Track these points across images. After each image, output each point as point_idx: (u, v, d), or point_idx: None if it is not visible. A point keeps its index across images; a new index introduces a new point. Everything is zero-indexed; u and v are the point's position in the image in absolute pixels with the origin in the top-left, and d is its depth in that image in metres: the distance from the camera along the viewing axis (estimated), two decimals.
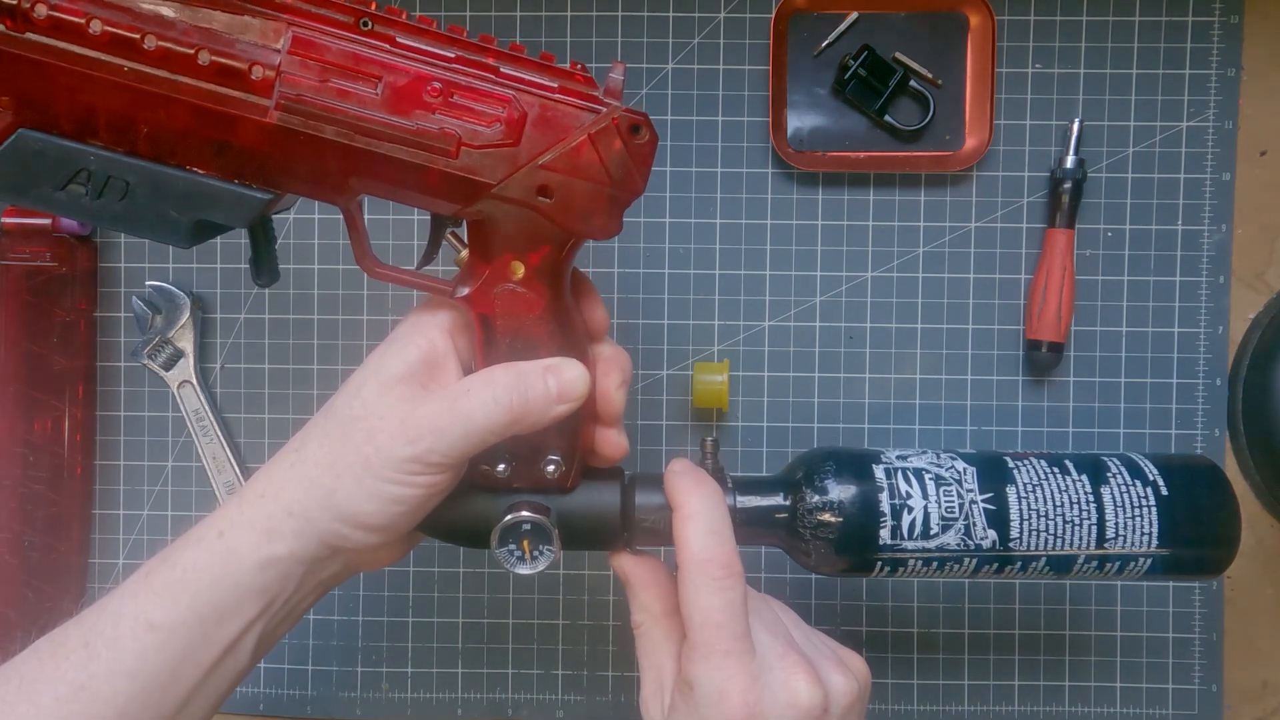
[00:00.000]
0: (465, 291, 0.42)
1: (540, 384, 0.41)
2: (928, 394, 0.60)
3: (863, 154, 0.59)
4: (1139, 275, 0.59)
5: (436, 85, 0.38)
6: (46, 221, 0.58)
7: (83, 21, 0.36)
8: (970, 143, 0.58)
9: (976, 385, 0.60)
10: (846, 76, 0.57)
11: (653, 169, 0.59)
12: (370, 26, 0.38)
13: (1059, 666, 0.60)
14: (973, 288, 0.59)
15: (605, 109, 0.39)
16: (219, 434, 0.60)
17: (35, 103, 0.37)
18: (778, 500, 0.45)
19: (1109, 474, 0.46)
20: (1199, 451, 0.59)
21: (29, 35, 0.36)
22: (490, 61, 0.39)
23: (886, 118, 0.58)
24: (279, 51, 0.37)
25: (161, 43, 0.36)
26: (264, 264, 0.42)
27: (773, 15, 0.58)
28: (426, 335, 0.42)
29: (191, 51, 0.37)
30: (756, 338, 0.60)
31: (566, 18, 0.59)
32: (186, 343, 0.60)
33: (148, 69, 0.36)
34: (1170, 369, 0.59)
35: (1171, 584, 0.60)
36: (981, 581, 0.60)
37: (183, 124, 0.37)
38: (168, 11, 0.36)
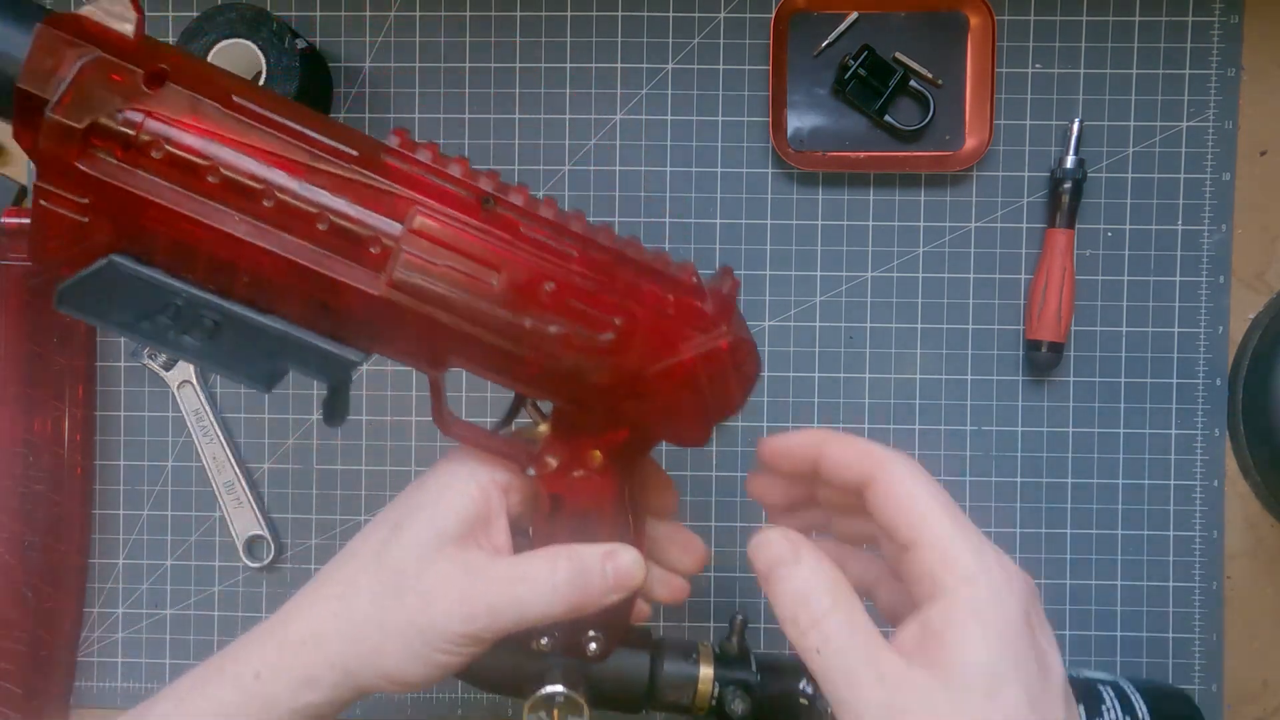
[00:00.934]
0: (540, 470, 0.41)
1: (599, 574, 0.40)
2: (928, 394, 0.60)
3: (863, 154, 0.59)
4: (1139, 275, 0.59)
5: (553, 286, 0.37)
6: None
7: (203, 165, 0.34)
8: (970, 143, 0.58)
9: (976, 385, 0.60)
10: (846, 76, 0.57)
11: (653, 169, 0.59)
12: (493, 205, 0.37)
13: None
14: (973, 288, 0.59)
15: (716, 331, 0.38)
16: (219, 434, 0.60)
17: (133, 232, 0.34)
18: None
19: (1103, 706, 0.47)
20: (1199, 451, 0.59)
21: (140, 171, 0.33)
22: (608, 261, 0.38)
23: (886, 118, 0.58)
24: (400, 228, 0.35)
25: (281, 198, 0.34)
26: (339, 410, 0.40)
27: (773, 15, 0.58)
28: (483, 489, 0.41)
29: (311, 215, 0.35)
30: (756, 338, 0.60)
31: (566, 18, 0.59)
32: None
33: (262, 224, 0.34)
34: (1170, 369, 0.59)
35: (1171, 584, 0.60)
36: None
37: (287, 279, 0.35)
38: (292, 183, 0.35)
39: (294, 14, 0.60)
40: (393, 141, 0.36)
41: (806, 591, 0.35)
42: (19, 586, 0.59)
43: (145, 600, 0.61)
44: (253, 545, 0.60)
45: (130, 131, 0.33)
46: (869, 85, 0.57)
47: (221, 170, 0.34)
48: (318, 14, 0.60)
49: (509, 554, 0.41)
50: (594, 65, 0.59)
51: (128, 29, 0.33)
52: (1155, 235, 0.59)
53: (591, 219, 0.59)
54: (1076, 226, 0.58)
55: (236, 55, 0.55)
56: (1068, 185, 0.57)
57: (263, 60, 0.54)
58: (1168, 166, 0.59)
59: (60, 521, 0.59)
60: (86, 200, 0.33)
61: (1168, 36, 0.58)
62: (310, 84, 0.55)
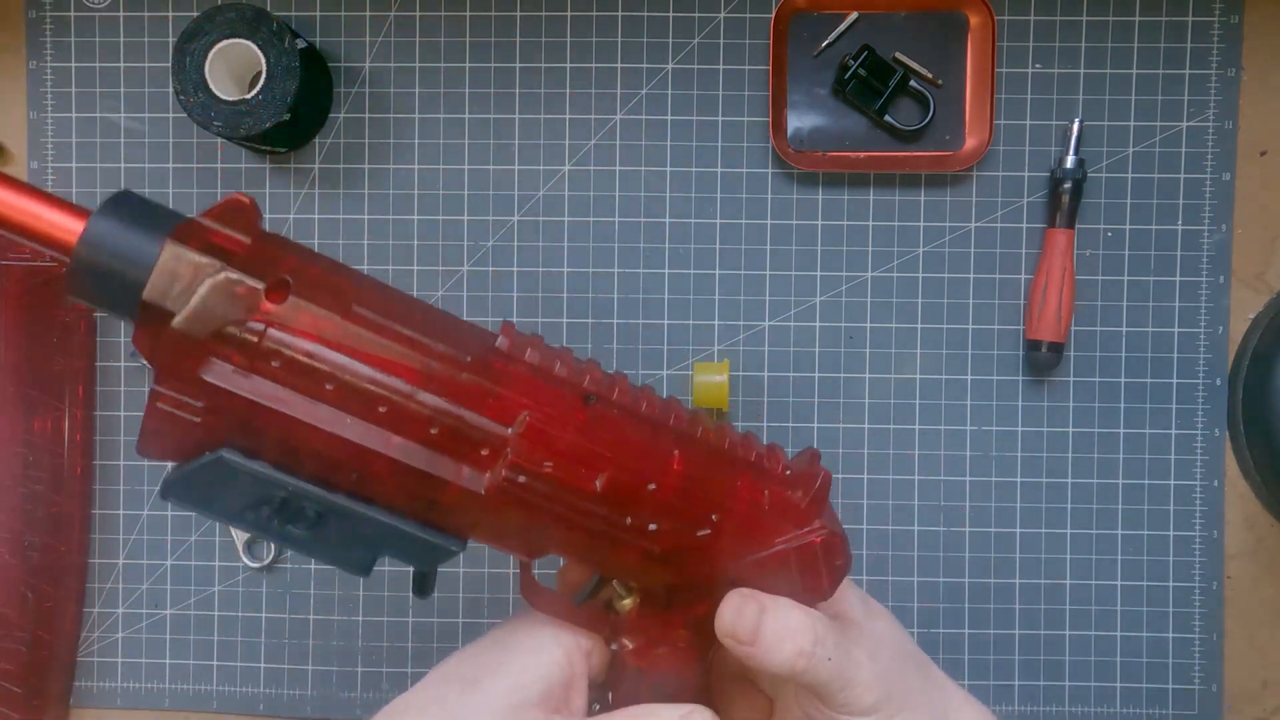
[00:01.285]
0: (626, 645, 0.41)
1: None
2: (928, 394, 0.60)
3: (863, 154, 0.59)
4: (1139, 275, 0.59)
5: (654, 486, 0.38)
6: None
7: (322, 373, 0.34)
8: (970, 143, 0.58)
9: (976, 385, 0.60)
10: (846, 76, 0.57)
11: (653, 169, 0.59)
12: (595, 402, 0.38)
13: (1059, 666, 0.60)
14: (973, 288, 0.59)
15: (809, 527, 0.39)
16: None
17: (244, 430, 0.35)
18: None
19: None
20: (1199, 451, 0.59)
21: (258, 378, 0.34)
22: (705, 456, 0.39)
23: (886, 118, 0.58)
24: (508, 431, 0.36)
25: (396, 404, 0.35)
26: (430, 585, 0.40)
27: (773, 15, 0.58)
28: (567, 653, 0.40)
29: (424, 419, 0.35)
30: (756, 338, 0.60)
31: (566, 18, 0.59)
32: None
33: (375, 427, 0.35)
34: (1170, 369, 0.59)
35: (1171, 584, 0.60)
36: (981, 581, 0.60)
37: (394, 477, 0.36)
38: (407, 389, 0.35)
39: (294, 14, 0.60)
40: (502, 343, 0.37)
41: (801, 618, 0.39)
42: (19, 586, 0.59)
43: (145, 600, 0.61)
44: (253, 545, 0.61)
45: (252, 340, 0.34)
46: (869, 85, 0.57)
47: (339, 378, 0.34)
48: (318, 14, 0.60)
49: (584, 716, 0.40)
50: (594, 65, 0.59)
51: (246, 238, 0.34)
52: (1155, 235, 0.59)
53: (591, 219, 0.59)
54: (1076, 226, 0.58)
55: (236, 55, 0.55)
56: (1068, 185, 0.57)
57: (263, 60, 0.54)
58: (1168, 166, 0.59)
59: (60, 521, 0.59)
60: (202, 404, 0.34)
61: (1168, 36, 0.58)
62: (310, 84, 0.55)
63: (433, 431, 0.35)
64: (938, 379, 0.60)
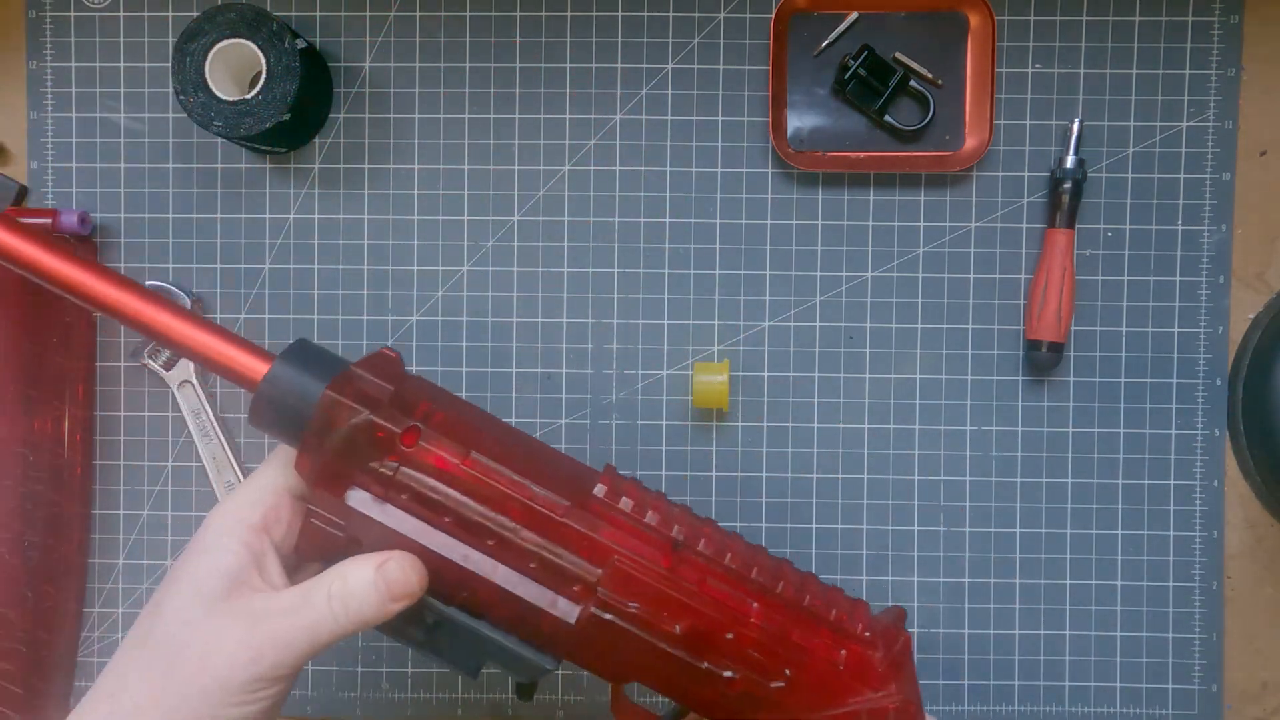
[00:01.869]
0: None
1: (373, 586, 0.40)
2: (928, 394, 0.60)
3: (863, 154, 0.59)
4: (1139, 275, 0.59)
5: (732, 636, 0.41)
6: (47, 221, 0.58)
7: (443, 507, 0.40)
8: (970, 143, 0.58)
9: (976, 385, 0.60)
10: (846, 76, 0.57)
11: (653, 169, 0.59)
12: (682, 548, 0.42)
13: (1059, 666, 0.60)
14: (973, 288, 0.59)
15: (885, 691, 0.42)
16: (218, 434, 0.60)
17: (377, 547, 0.41)
18: None
19: None
20: (1199, 451, 0.59)
21: (390, 506, 0.40)
22: (785, 608, 0.42)
23: (886, 118, 0.58)
24: (599, 572, 0.41)
25: (503, 538, 0.41)
26: (530, 692, 0.45)
27: (773, 15, 0.58)
28: (240, 540, 0.41)
29: (527, 554, 0.41)
30: (756, 338, 0.60)
31: (566, 18, 0.59)
32: None
33: (483, 556, 0.41)
34: (1170, 369, 0.59)
35: (1171, 584, 0.60)
36: (981, 581, 0.60)
37: (498, 600, 0.41)
38: (514, 527, 0.41)
39: (294, 14, 0.60)
40: (600, 491, 0.42)
41: None
42: (19, 586, 0.59)
43: (145, 600, 0.61)
44: None
45: (388, 475, 0.40)
46: (869, 85, 0.57)
47: (457, 512, 0.41)
48: (318, 14, 0.60)
49: (286, 586, 0.41)
50: (594, 65, 0.59)
51: (390, 386, 0.41)
52: (1155, 235, 0.59)
53: (591, 219, 0.59)
54: (1076, 226, 0.58)
55: (236, 55, 0.55)
56: (1068, 185, 0.57)
57: (263, 60, 0.54)
58: (1168, 166, 0.59)
59: (60, 521, 0.59)
60: (345, 523, 0.40)
61: (1168, 36, 0.58)
62: (310, 84, 0.56)
63: (532, 565, 0.41)
64: (938, 379, 0.60)
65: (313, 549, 0.41)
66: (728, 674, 0.41)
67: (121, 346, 0.61)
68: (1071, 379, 0.59)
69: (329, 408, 0.40)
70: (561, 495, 0.41)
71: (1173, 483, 0.59)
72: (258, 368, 0.41)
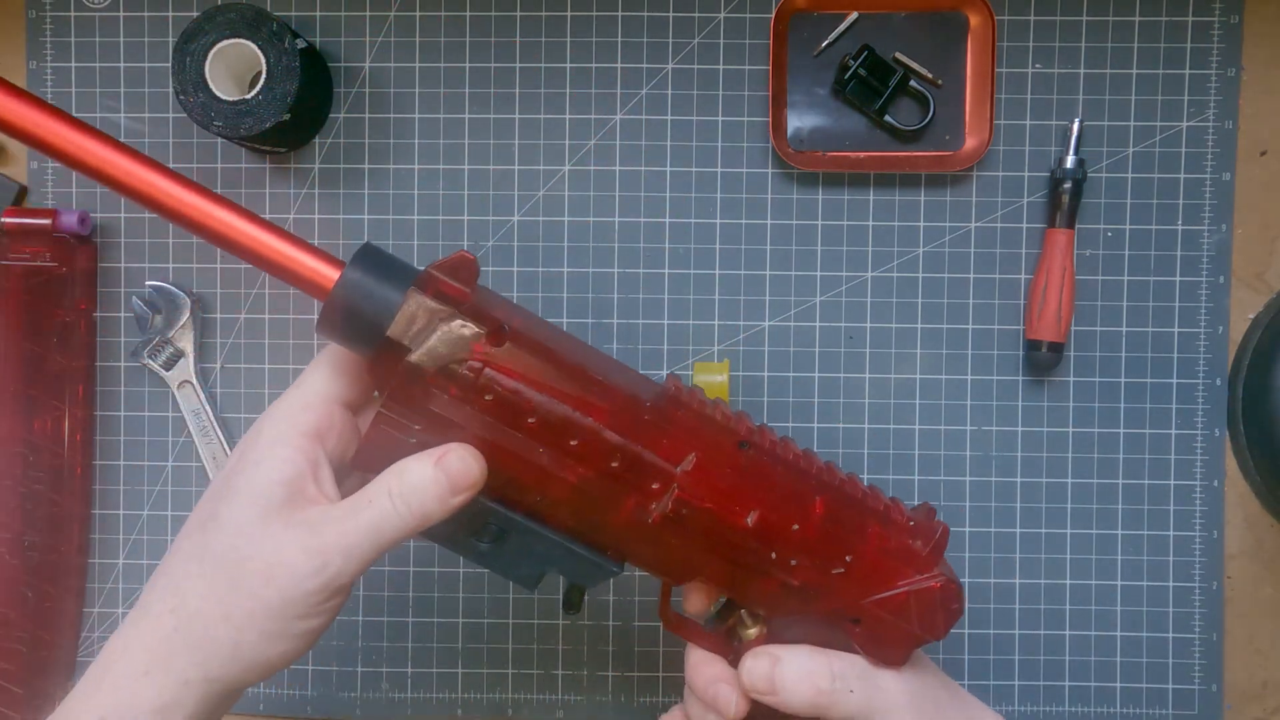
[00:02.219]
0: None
1: (434, 480, 0.39)
2: (928, 394, 0.60)
3: (863, 154, 0.59)
4: (1139, 275, 0.59)
5: (798, 527, 0.42)
6: (46, 221, 0.58)
7: (525, 409, 0.40)
8: (970, 143, 0.58)
9: (976, 385, 0.60)
10: (846, 76, 0.57)
11: (653, 169, 0.59)
12: (748, 448, 0.42)
13: (1059, 666, 0.60)
14: (973, 288, 0.59)
15: (930, 573, 0.44)
16: (218, 434, 0.60)
17: None
18: None
19: None
20: (1199, 451, 0.59)
21: (469, 408, 0.39)
22: (841, 502, 0.43)
23: (886, 118, 0.58)
24: (676, 469, 0.41)
25: (586, 440, 0.40)
26: (579, 603, 0.45)
27: (773, 15, 0.58)
28: (295, 448, 0.39)
29: (608, 453, 0.41)
30: (756, 338, 0.60)
31: (566, 18, 0.59)
32: (186, 343, 0.60)
33: (565, 458, 0.40)
34: (1170, 369, 0.59)
35: (1171, 584, 0.60)
36: (981, 581, 0.60)
37: (574, 502, 0.41)
38: (597, 428, 0.40)
39: (294, 14, 0.60)
40: (669, 389, 0.42)
41: (815, 660, 0.43)
42: (19, 586, 0.59)
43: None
44: None
45: (470, 376, 0.39)
46: (869, 85, 0.57)
47: (541, 413, 0.40)
48: (318, 14, 0.60)
49: (339, 498, 0.40)
50: (594, 65, 0.59)
51: (468, 289, 0.40)
52: (1155, 235, 0.59)
53: (591, 219, 0.60)
54: (1076, 226, 0.58)
55: (236, 55, 0.55)
56: (1068, 185, 0.57)
57: (263, 60, 0.54)
58: (1168, 166, 0.59)
59: (60, 521, 0.59)
60: (418, 427, 0.40)
61: (1168, 36, 0.58)
62: (310, 84, 0.56)
63: (614, 464, 0.41)
64: (938, 379, 0.60)
65: (375, 457, 0.40)
66: (793, 563, 0.43)
67: (122, 346, 0.61)
68: (1071, 379, 0.59)
69: (413, 310, 0.39)
70: (641, 396, 0.42)
71: (1173, 483, 0.59)
72: (329, 273, 0.40)
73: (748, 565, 0.43)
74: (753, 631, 0.45)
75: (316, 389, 0.41)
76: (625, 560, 0.43)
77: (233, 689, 0.38)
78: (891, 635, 0.44)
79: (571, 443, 0.40)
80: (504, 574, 0.42)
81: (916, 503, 0.50)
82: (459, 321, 0.39)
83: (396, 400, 0.39)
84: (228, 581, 0.37)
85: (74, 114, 0.60)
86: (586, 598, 0.46)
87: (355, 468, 0.41)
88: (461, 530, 0.41)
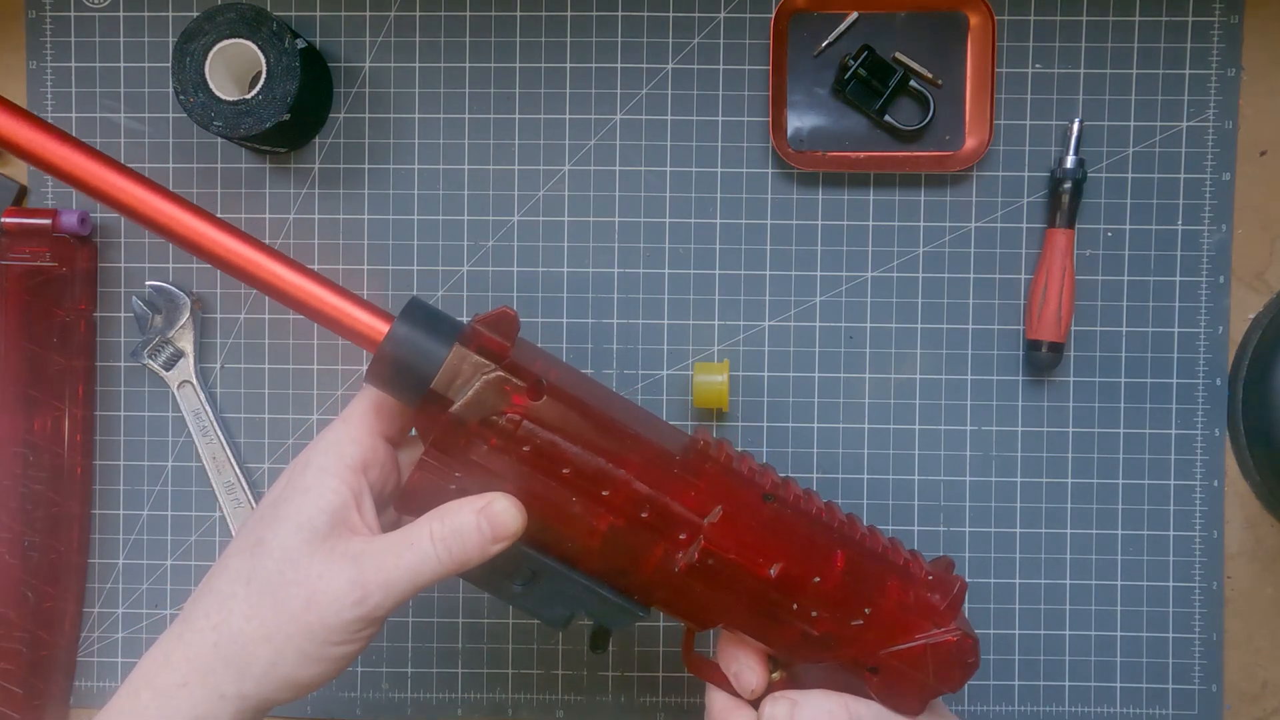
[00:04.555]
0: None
1: (475, 528, 0.41)
2: (928, 394, 0.60)
3: (863, 154, 0.59)
4: (1139, 275, 0.59)
5: (819, 580, 0.44)
6: (46, 221, 0.58)
7: (560, 460, 0.41)
8: (970, 143, 0.58)
9: (976, 385, 0.60)
10: (846, 76, 0.57)
11: (653, 169, 0.59)
12: (772, 500, 0.44)
13: (1059, 666, 0.60)
14: (973, 288, 0.59)
15: (948, 627, 0.45)
16: (219, 434, 0.60)
17: None
18: None
19: None
20: (1199, 451, 0.59)
21: (508, 458, 0.41)
22: (861, 555, 0.45)
23: (886, 118, 0.58)
24: (703, 521, 0.43)
25: (617, 490, 0.42)
26: (605, 643, 0.46)
27: (773, 15, 0.58)
28: (340, 478, 0.41)
29: (638, 504, 0.42)
30: (756, 338, 0.60)
31: (566, 18, 0.59)
32: (186, 343, 0.60)
33: (597, 506, 0.42)
34: (1170, 369, 0.59)
35: (1171, 584, 0.60)
36: (981, 581, 0.60)
37: (602, 551, 0.43)
38: (628, 479, 0.42)
39: (294, 14, 0.60)
40: (698, 443, 0.44)
41: (831, 703, 0.44)
42: (19, 586, 0.59)
43: (145, 600, 0.61)
44: None
45: (510, 428, 0.41)
46: (869, 85, 0.57)
47: (576, 464, 0.42)
48: (318, 14, 0.60)
49: (379, 530, 0.42)
50: (594, 65, 0.59)
51: (509, 344, 0.41)
52: (1155, 235, 0.59)
53: (591, 219, 0.60)
54: (1076, 226, 0.58)
55: (236, 55, 0.55)
56: (1068, 185, 0.57)
57: (263, 60, 0.54)
58: (1168, 166, 0.59)
59: (60, 521, 0.59)
60: (459, 474, 0.41)
61: (1168, 36, 0.58)
62: (310, 84, 0.55)
63: (643, 514, 0.42)
64: (938, 379, 0.60)
65: (418, 501, 0.42)
66: (814, 614, 0.44)
67: (122, 346, 0.61)
68: (1071, 379, 0.59)
69: (457, 363, 0.41)
70: (670, 449, 0.43)
71: (1173, 483, 0.59)
72: (378, 326, 0.42)
73: (769, 614, 0.44)
74: (775, 676, 0.46)
75: (361, 424, 0.43)
76: (651, 605, 0.45)
77: (264, 707, 0.40)
78: (908, 686, 0.45)
79: (604, 493, 0.42)
80: (535, 614, 0.44)
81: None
82: (500, 375, 0.41)
83: (439, 448, 0.41)
84: (273, 604, 0.39)
85: (73, 114, 0.60)
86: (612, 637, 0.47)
87: (399, 511, 0.43)
88: (497, 573, 0.43)
